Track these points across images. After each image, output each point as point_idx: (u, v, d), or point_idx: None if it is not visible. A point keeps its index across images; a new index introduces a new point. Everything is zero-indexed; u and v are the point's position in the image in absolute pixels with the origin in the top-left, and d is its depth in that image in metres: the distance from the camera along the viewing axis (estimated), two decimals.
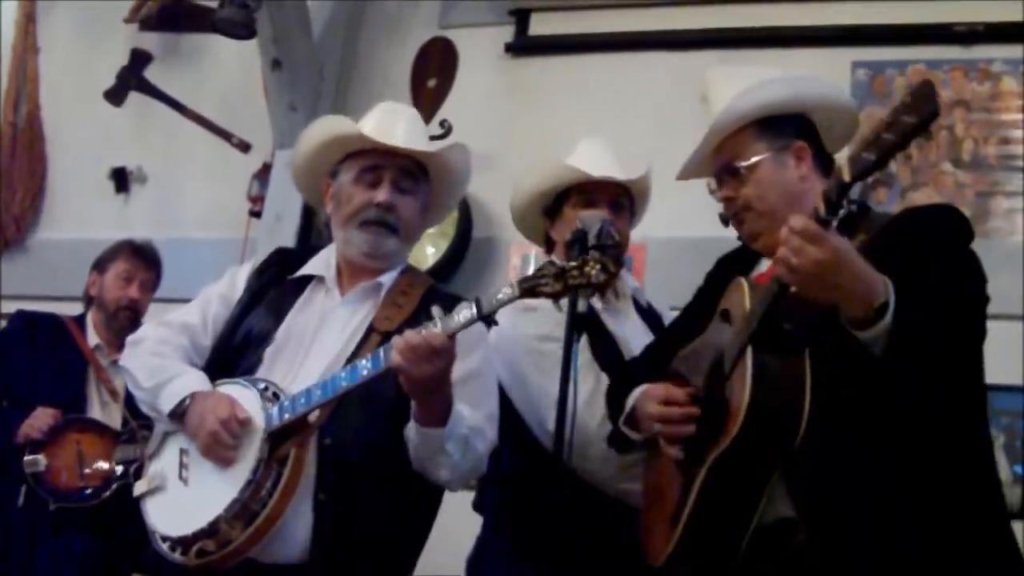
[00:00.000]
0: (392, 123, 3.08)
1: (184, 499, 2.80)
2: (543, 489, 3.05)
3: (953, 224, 2.51)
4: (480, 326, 2.80)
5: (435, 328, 2.59)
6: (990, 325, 4.20)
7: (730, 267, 2.91)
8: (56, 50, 6.57)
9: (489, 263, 5.25)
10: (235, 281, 3.13)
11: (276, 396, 2.79)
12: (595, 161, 3.41)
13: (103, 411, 4.39)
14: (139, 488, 2.92)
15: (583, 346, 3.11)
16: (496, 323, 2.68)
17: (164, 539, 2.77)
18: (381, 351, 2.67)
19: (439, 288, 3.15)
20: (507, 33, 5.69)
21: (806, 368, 2.36)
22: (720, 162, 2.79)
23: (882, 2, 5.05)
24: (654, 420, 2.66)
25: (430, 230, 5.14)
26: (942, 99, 4.83)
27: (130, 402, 4.14)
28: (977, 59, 4.93)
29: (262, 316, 3.00)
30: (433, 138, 5.30)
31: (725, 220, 3.94)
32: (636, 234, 3.76)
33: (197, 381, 2.90)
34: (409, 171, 3.03)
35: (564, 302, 2.67)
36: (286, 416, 2.73)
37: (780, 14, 5.20)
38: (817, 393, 2.33)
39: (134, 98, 6.07)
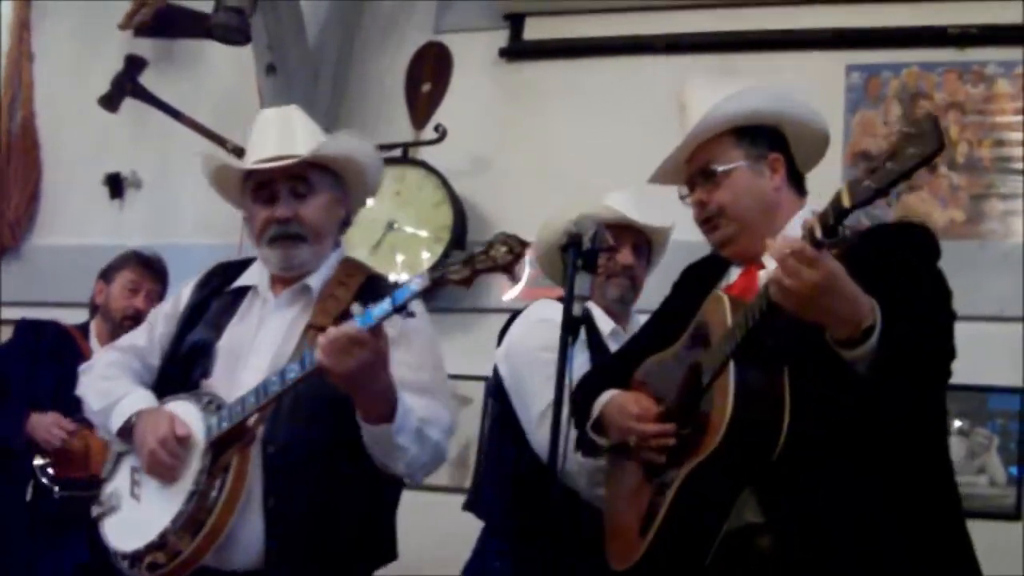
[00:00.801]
0: (268, 135, 3.11)
1: (137, 515, 2.87)
2: (541, 490, 3.10)
3: (924, 243, 2.54)
4: (421, 317, 2.91)
5: (355, 323, 2.63)
6: (987, 327, 4.24)
7: (699, 276, 2.94)
8: (51, 56, 6.55)
9: None
10: (179, 299, 3.21)
11: (219, 407, 2.85)
12: (630, 207, 3.58)
13: None
14: (95, 510, 2.99)
15: (581, 364, 3.19)
16: (412, 314, 2.71)
17: (122, 556, 2.84)
18: (306, 353, 2.73)
19: (379, 276, 3.18)
20: (501, 38, 5.68)
21: (785, 385, 2.39)
22: (695, 166, 2.81)
23: (876, 4, 5.05)
24: (632, 435, 2.68)
25: (423, 234, 5.20)
26: (936, 102, 4.88)
27: None
28: (971, 61, 4.93)
29: (204, 329, 3.07)
30: (428, 142, 5.36)
31: None
32: None
33: (143, 400, 2.98)
34: (300, 175, 3.03)
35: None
36: (224, 425, 2.80)
37: (774, 18, 5.20)
38: (795, 409, 2.37)
39: (129, 104, 6.05)
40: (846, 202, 2.13)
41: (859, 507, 2.38)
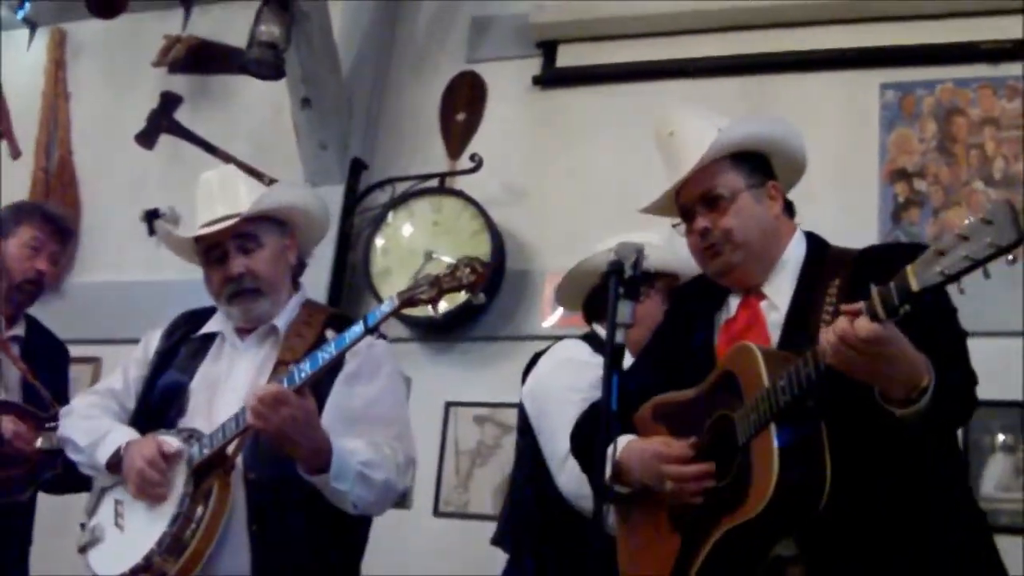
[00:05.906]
0: (212, 198, 3.26)
1: (121, 543, 3.01)
2: (565, 528, 3.24)
3: None
4: (384, 349, 3.14)
5: (304, 371, 2.81)
6: (994, 342, 4.17)
7: (693, 304, 2.93)
8: (86, 95, 6.62)
9: (524, 295, 5.24)
10: (148, 346, 3.38)
11: (199, 439, 3.00)
12: (668, 256, 3.51)
13: None
14: (79, 541, 3.12)
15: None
16: (384, 336, 2.93)
17: None
18: (241, 410, 2.90)
19: (339, 314, 3.39)
20: (534, 66, 5.69)
21: (825, 444, 2.37)
22: (694, 193, 2.79)
23: (909, 23, 5.03)
24: (670, 479, 2.59)
25: None
26: (971, 117, 4.85)
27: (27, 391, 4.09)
28: (1006, 76, 4.90)
29: (176, 372, 3.23)
30: (464, 172, 5.36)
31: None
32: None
33: (129, 434, 3.13)
34: (244, 232, 3.18)
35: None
36: (206, 451, 2.96)
37: (807, 38, 5.19)
38: (834, 464, 2.35)
39: (165, 140, 6.11)
40: (914, 286, 2.10)
41: (894, 538, 2.37)
